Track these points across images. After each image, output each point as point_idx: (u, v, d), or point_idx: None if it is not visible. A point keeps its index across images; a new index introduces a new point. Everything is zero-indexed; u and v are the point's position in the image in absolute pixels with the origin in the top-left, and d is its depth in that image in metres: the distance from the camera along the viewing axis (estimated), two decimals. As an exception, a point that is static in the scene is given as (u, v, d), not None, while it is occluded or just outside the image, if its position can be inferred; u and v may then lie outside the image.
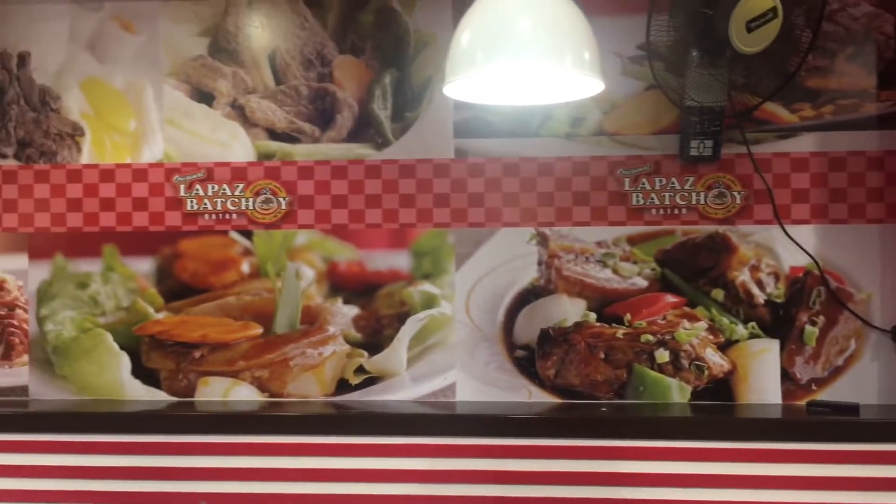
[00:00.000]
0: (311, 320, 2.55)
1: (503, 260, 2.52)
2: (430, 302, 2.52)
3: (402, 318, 2.53)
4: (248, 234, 2.57)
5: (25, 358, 2.58)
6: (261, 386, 2.54)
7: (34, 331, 2.58)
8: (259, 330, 2.55)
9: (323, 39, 2.55)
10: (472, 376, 2.51)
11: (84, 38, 2.59)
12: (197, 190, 2.57)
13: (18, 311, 2.59)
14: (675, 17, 2.12)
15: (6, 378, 2.58)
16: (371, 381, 2.54)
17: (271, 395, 2.54)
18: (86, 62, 2.59)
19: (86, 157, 2.59)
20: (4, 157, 2.60)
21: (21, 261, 2.59)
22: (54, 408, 2.50)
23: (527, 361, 2.50)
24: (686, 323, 2.42)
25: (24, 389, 2.58)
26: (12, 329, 2.58)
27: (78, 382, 2.57)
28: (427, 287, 2.53)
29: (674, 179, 2.47)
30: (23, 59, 2.59)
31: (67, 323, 2.56)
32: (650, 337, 2.41)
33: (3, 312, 2.59)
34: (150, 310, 2.56)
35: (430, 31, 2.53)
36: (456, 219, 2.53)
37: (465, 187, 2.53)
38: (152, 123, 2.58)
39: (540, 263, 2.50)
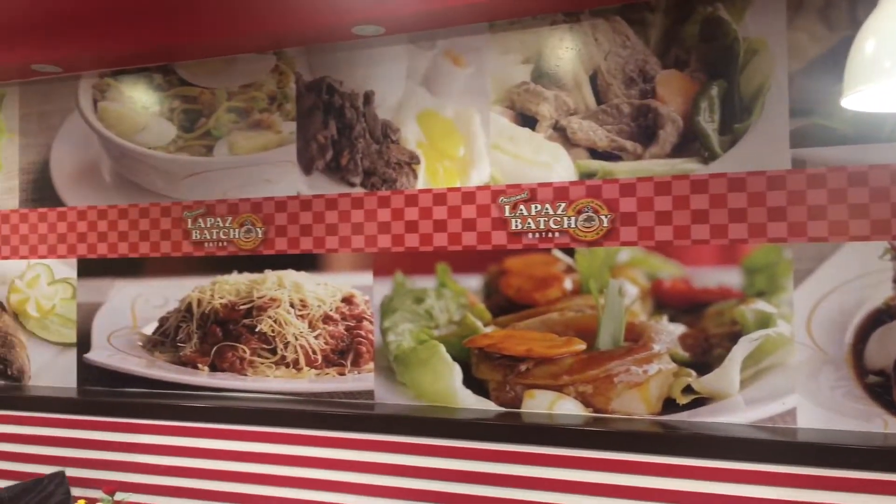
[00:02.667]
0: (635, 337, 2.60)
1: (850, 277, 2.38)
2: (764, 321, 2.45)
3: (733, 338, 2.49)
4: (570, 252, 2.69)
5: (371, 365, 2.93)
6: (585, 401, 2.64)
7: (378, 341, 2.92)
8: (582, 346, 2.65)
9: (645, 56, 2.61)
10: (816, 402, 2.39)
11: (419, 74, 2.91)
12: (521, 210, 2.75)
13: (365, 323, 2.96)
14: None
15: (356, 382, 2.95)
16: (700, 401, 2.53)
17: (595, 411, 2.63)
18: (421, 96, 2.90)
19: (421, 183, 2.89)
20: (353, 185, 2.99)
21: (367, 278, 2.96)
22: (396, 411, 2.81)
23: (882, 388, 2.34)
24: None
25: (370, 393, 2.93)
26: (360, 339, 2.95)
27: (416, 389, 2.86)
28: (761, 305, 2.47)
29: None
30: (368, 97, 2.97)
31: (406, 334, 2.87)
32: None
33: (352, 324, 2.97)
34: (479, 324, 2.78)
35: (761, 38, 2.48)
36: (794, 233, 2.44)
37: (804, 199, 2.44)
38: (479, 149, 2.81)
39: (896, 280, 2.32)
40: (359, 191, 3.01)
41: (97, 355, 3.37)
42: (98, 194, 3.40)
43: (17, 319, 3.53)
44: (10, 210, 3.57)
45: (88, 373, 3.38)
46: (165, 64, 3.30)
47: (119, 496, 2.06)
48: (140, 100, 3.34)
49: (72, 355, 3.43)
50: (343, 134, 3.01)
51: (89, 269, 3.40)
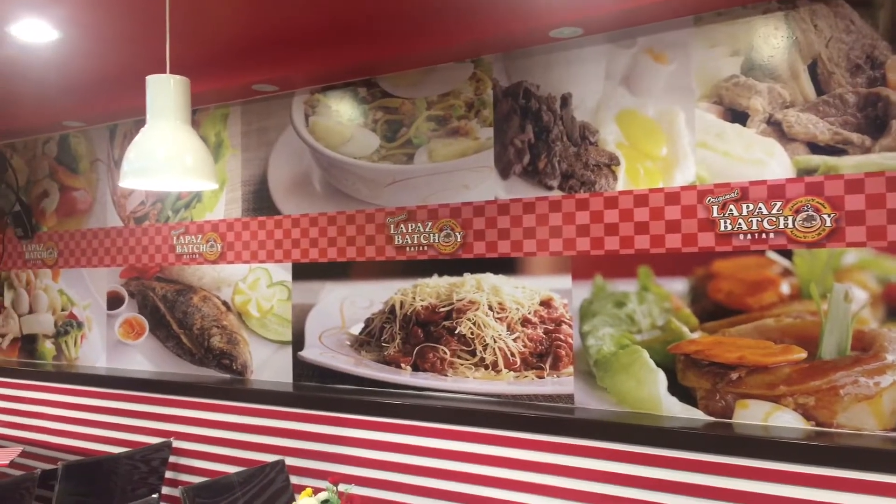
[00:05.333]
0: (865, 346, 2.42)
1: None
2: None
3: None
4: (787, 254, 2.56)
5: (571, 369, 2.95)
6: (806, 413, 2.50)
7: (578, 345, 2.94)
8: (802, 354, 2.52)
9: (873, 41, 2.43)
10: None
11: (618, 73, 2.89)
12: (731, 210, 2.65)
13: (564, 327, 2.98)
14: None
15: (555, 386, 2.98)
16: (944, 419, 2.30)
17: (818, 424, 2.48)
18: (621, 96, 2.88)
19: (621, 185, 2.87)
20: (550, 188, 3.02)
21: (565, 281, 2.98)
22: (597, 416, 2.81)
23: None
24: None
25: (570, 397, 2.95)
26: (559, 342, 2.98)
27: (617, 395, 2.84)
28: None
29: None
30: (565, 100, 3.00)
31: (607, 339, 2.86)
32: None
33: (551, 327, 3.00)
34: (685, 329, 2.72)
35: None
36: None
37: None
38: (684, 148, 2.74)
39: None
40: (556, 194, 3.04)
41: (310, 353, 3.66)
42: (309, 203, 3.69)
43: (241, 319, 3.92)
44: (234, 219, 3.97)
45: (302, 369, 3.68)
46: (369, 78, 3.52)
47: (342, 487, 2.22)
48: (346, 113, 3.59)
49: (288, 352, 3.75)
50: (540, 137, 3.06)
51: (302, 272, 3.71)
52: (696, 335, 2.71)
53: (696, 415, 2.71)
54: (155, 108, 2.23)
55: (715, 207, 2.70)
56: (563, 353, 2.99)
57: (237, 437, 3.62)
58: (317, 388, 3.55)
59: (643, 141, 2.85)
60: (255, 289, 3.87)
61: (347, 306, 3.56)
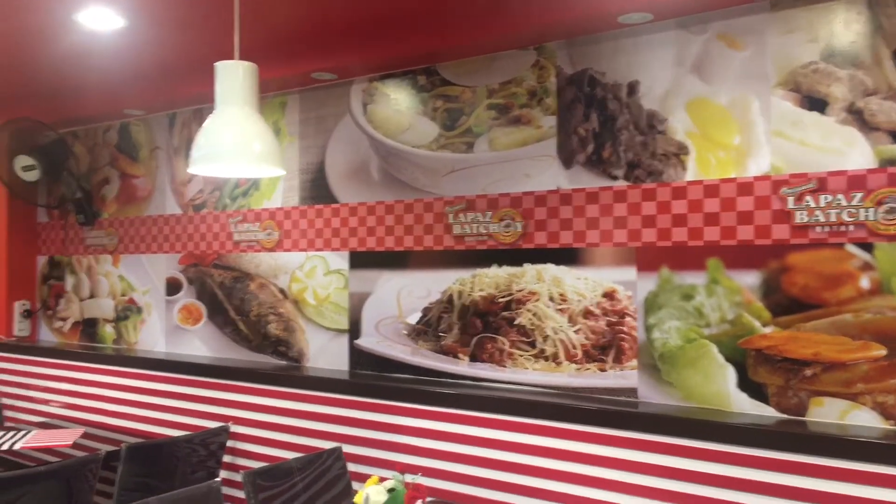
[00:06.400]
0: (952, 345, 2.30)
1: None
2: None
3: None
4: (867, 247, 2.45)
5: (634, 362, 2.87)
6: (885, 412, 2.41)
7: (642, 338, 2.86)
8: (882, 351, 2.42)
9: (967, 24, 2.30)
10: None
11: (689, 60, 2.80)
12: (807, 201, 2.55)
13: (628, 319, 2.91)
14: None
15: (617, 379, 2.92)
16: None
17: (898, 424, 2.38)
18: (691, 83, 2.79)
19: (690, 175, 2.79)
20: (615, 178, 2.95)
21: (630, 273, 2.91)
22: (664, 411, 2.73)
23: None
24: None
25: (633, 391, 2.88)
26: (622, 335, 2.91)
27: (684, 390, 2.76)
28: None
29: None
30: (632, 87, 2.91)
31: (673, 332, 2.78)
32: None
33: (614, 319, 2.93)
34: (757, 323, 2.63)
35: None
36: None
37: None
38: (758, 136, 2.65)
39: None
40: (621, 184, 2.96)
41: (366, 341, 3.65)
42: (367, 191, 3.67)
43: (298, 306, 3.92)
44: (292, 207, 3.96)
45: (359, 357, 3.67)
46: (429, 66, 3.48)
47: (409, 477, 2.19)
48: (405, 101, 3.55)
49: (344, 340, 3.74)
50: (605, 126, 2.98)
51: (359, 261, 3.69)
52: (768, 330, 2.62)
53: (767, 412, 2.62)
54: (224, 95, 2.22)
55: (790, 198, 2.60)
56: (627, 346, 2.92)
57: (294, 424, 3.62)
58: (373, 376, 3.53)
59: (715, 130, 2.76)
60: (312, 277, 3.86)
61: (404, 295, 3.53)
